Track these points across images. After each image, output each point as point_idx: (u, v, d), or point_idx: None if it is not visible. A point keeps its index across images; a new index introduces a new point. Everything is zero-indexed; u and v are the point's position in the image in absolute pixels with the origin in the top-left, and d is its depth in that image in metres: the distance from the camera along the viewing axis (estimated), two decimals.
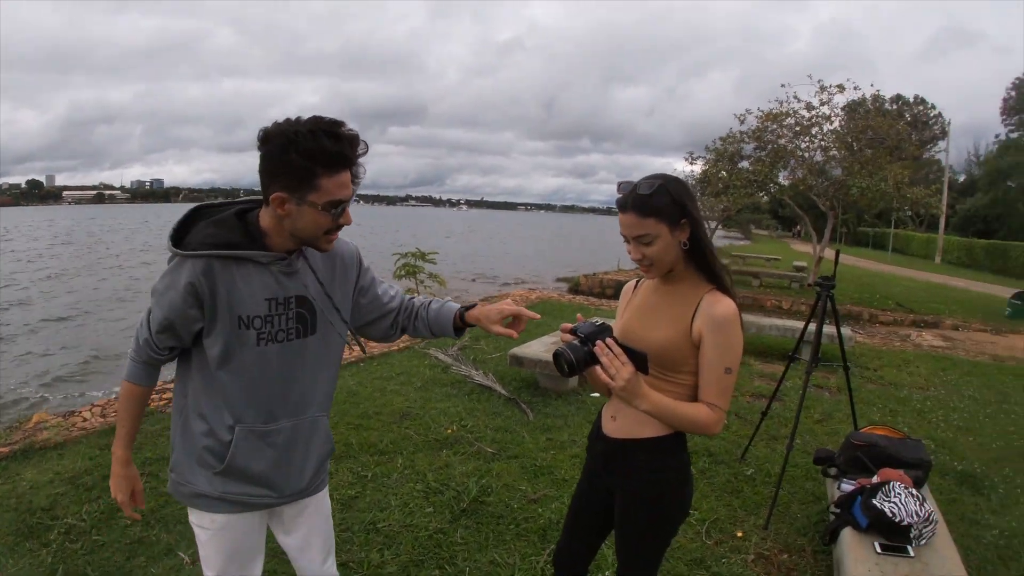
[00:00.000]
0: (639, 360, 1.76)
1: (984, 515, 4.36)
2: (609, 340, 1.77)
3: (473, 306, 2.10)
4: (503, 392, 6.30)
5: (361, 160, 1.70)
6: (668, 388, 1.92)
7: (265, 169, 1.66)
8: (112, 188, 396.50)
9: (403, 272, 11.68)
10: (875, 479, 3.45)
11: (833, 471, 3.94)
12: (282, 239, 1.76)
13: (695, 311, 1.89)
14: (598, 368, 1.79)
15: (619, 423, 2.04)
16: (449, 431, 5.27)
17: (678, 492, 2.03)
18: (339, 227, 1.75)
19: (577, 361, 1.76)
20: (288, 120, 1.61)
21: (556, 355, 1.79)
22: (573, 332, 1.84)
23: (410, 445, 4.97)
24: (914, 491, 3.23)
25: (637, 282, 2.19)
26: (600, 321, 1.86)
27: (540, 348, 6.68)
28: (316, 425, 1.97)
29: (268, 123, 1.65)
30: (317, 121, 1.60)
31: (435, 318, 2.11)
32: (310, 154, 1.58)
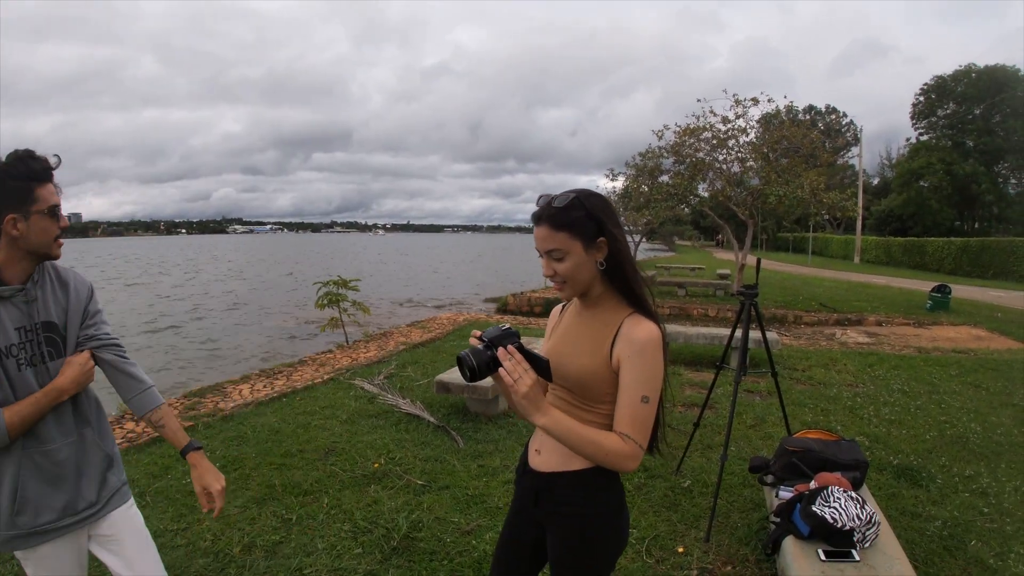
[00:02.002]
0: (541, 367, 1.68)
1: (925, 507, 4.35)
2: (511, 346, 1.68)
3: (199, 448, 2.36)
4: (432, 420, 6.08)
5: (56, 173, 1.95)
6: (589, 419, 1.80)
7: None
8: None
9: (326, 301, 11.32)
10: (813, 484, 3.37)
11: (769, 478, 3.84)
12: (19, 265, 1.96)
13: (615, 336, 1.76)
14: (502, 372, 1.67)
15: (544, 456, 1.93)
16: (376, 465, 5.02)
17: (612, 526, 1.88)
18: (63, 231, 1.99)
19: (479, 365, 1.68)
20: None
21: (459, 359, 1.70)
22: (480, 338, 1.74)
23: (336, 483, 4.71)
24: (853, 494, 3.15)
25: (564, 305, 2.05)
26: (507, 326, 1.76)
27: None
28: (88, 441, 2.14)
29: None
30: (16, 152, 1.88)
31: (136, 402, 2.24)
32: (23, 175, 1.87)
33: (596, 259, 1.76)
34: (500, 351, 1.67)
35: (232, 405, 6.93)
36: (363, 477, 4.81)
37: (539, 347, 1.97)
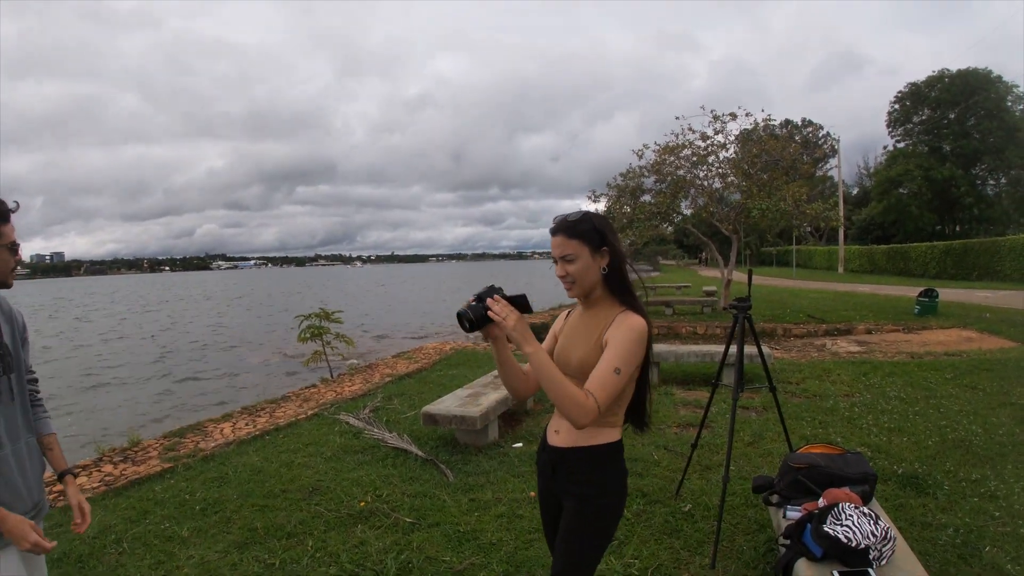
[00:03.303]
0: (521, 304, 2.04)
1: (935, 515, 4.22)
2: (496, 295, 2.04)
3: (75, 474, 2.65)
4: (419, 454, 5.87)
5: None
6: None
7: None
8: None
9: (308, 335, 11.12)
10: (821, 502, 3.18)
11: (775, 498, 3.65)
12: None
13: (607, 327, 2.14)
14: (491, 314, 2.00)
15: (562, 435, 2.26)
16: (363, 503, 4.81)
17: (618, 495, 2.24)
18: (17, 264, 2.26)
19: (476, 317, 2.02)
20: None
21: (459, 315, 2.04)
22: (475, 296, 2.07)
23: (321, 523, 4.50)
24: (865, 509, 2.97)
25: (568, 313, 2.41)
26: (492, 284, 2.12)
27: (454, 403, 6.31)
28: (31, 447, 2.36)
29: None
30: None
31: (38, 424, 2.46)
32: None
33: (600, 265, 2.16)
34: (488, 300, 2.02)
35: (213, 445, 6.74)
36: (349, 516, 4.60)
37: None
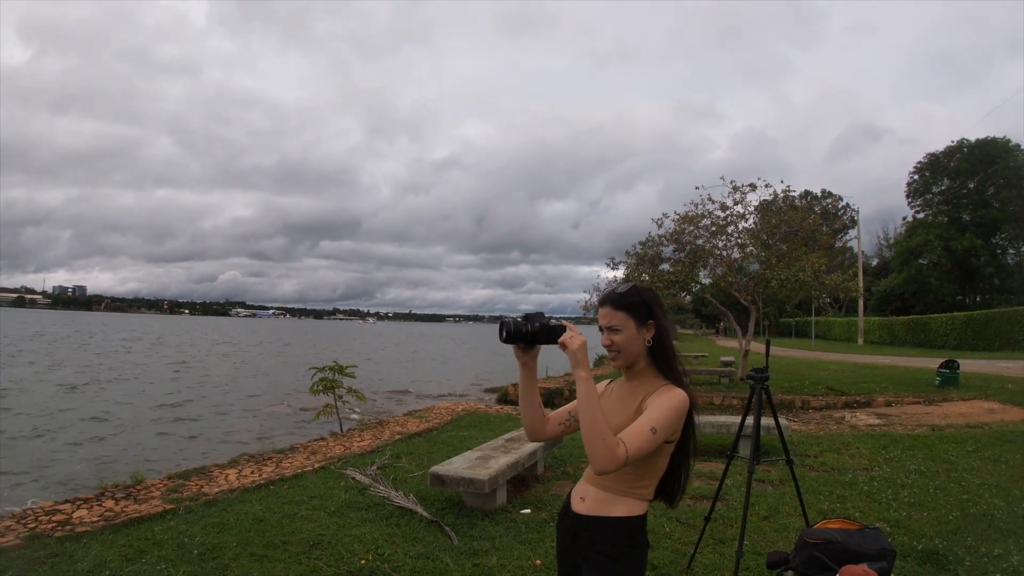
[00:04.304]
0: (559, 332, 2.09)
1: None
2: (565, 322, 2.13)
3: None
4: (424, 515, 5.73)
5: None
6: (624, 470, 2.07)
7: None
8: (33, 292, 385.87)
9: (320, 387, 11.02)
10: None
11: (790, 574, 3.51)
12: None
13: (648, 396, 2.14)
14: (569, 330, 2.08)
15: (588, 503, 2.23)
16: (363, 561, 4.68)
17: (637, 569, 2.18)
18: None
19: (515, 331, 2.09)
20: None
21: (502, 323, 2.11)
22: (523, 316, 2.14)
23: None
24: None
25: (610, 382, 2.39)
26: (540, 311, 2.17)
27: (463, 465, 6.18)
28: None
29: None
30: None
31: None
32: None
33: (645, 337, 2.19)
34: (566, 323, 2.12)
35: (217, 490, 6.67)
36: (348, 574, 4.49)
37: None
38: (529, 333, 2.10)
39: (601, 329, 2.23)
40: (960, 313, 36.44)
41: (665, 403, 2.07)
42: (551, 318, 2.16)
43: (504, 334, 2.10)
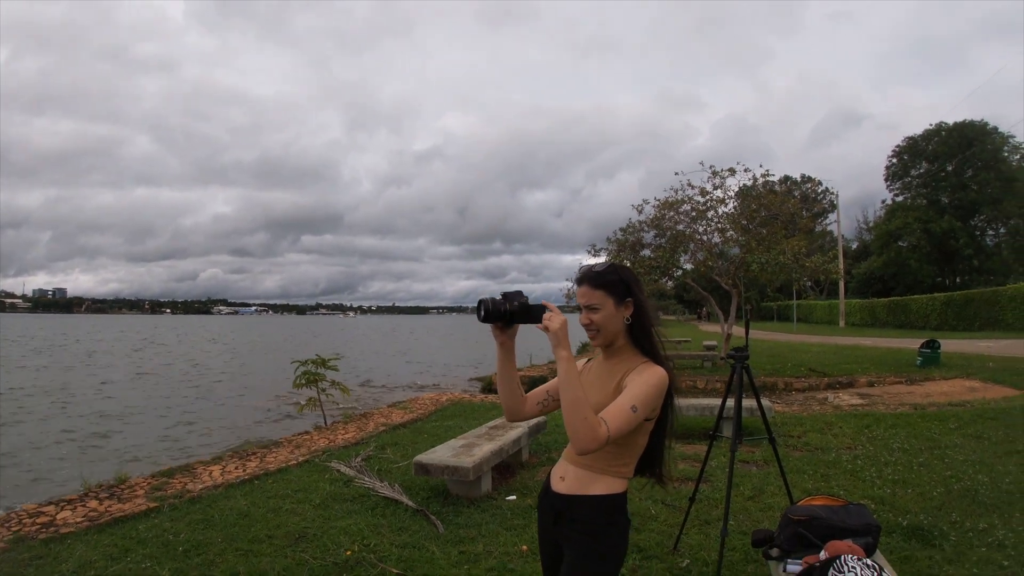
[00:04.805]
0: (540, 312, 2.06)
1: (941, 567, 4.11)
2: (545, 302, 2.08)
3: None
4: (410, 504, 5.71)
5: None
6: (605, 449, 2.03)
7: None
8: (13, 296, 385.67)
9: (304, 381, 10.95)
10: (823, 555, 3.06)
11: (775, 552, 3.51)
12: None
13: (627, 374, 2.13)
14: (549, 311, 2.04)
15: (568, 482, 2.23)
16: (349, 552, 4.65)
17: (619, 547, 2.19)
18: None
19: (492, 310, 2.08)
20: None
21: (480, 301, 2.10)
22: (503, 295, 2.12)
23: (305, 571, 4.36)
24: (869, 561, 2.85)
25: (588, 360, 2.39)
26: (518, 290, 2.14)
27: (447, 453, 6.15)
28: None
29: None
30: None
31: None
32: None
33: (624, 315, 2.18)
34: (546, 303, 2.07)
35: (201, 487, 6.63)
36: (334, 565, 4.45)
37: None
38: (507, 312, 2.09)
39: (579, 308, 2.22)
40: (940, 294, 36.75)
41: (645, 380, 2.06)
42: (522, 293, 2.15)
43: (482, 313, 2.08)
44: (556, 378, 2.27)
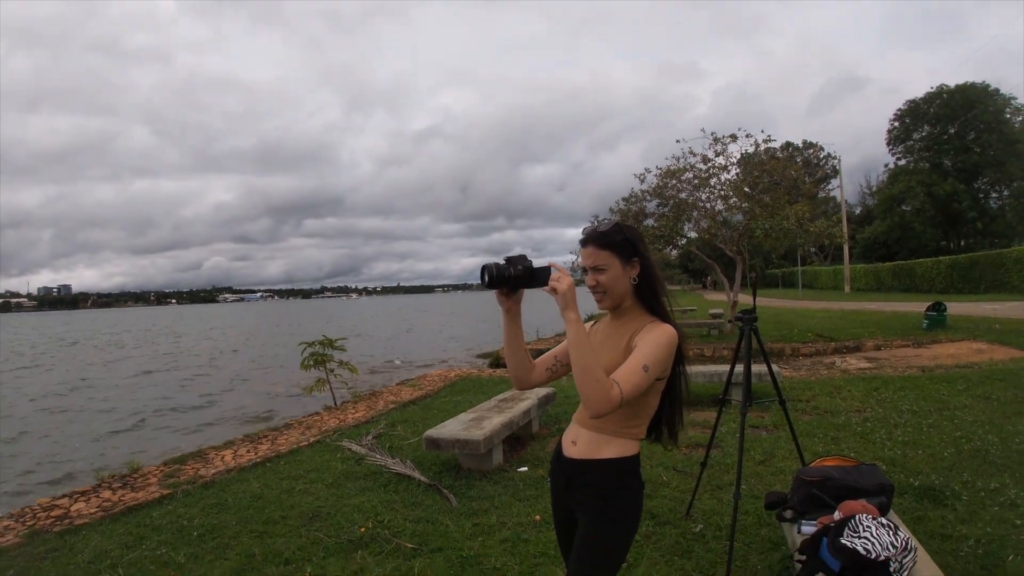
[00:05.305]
0: (547, 274, 2.03)
1: (954, 527, 4.09)
2: (554, 263, 2.05)
3: None
4: (422, 479, 5.73)
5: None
6: (618, 411, 2.01)
7: None
8: (18, 296, 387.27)
9: (312, 362, 10.99)
10: (837, 515, 3.05)
11: (789, 513, 3.51)
12: None
13: (636, 333, 2.11)
14: (556, 272, 2.00)
15: (579, 446, 2.21)
16: (363, 529, 4.68)
17: (634, 508, 2.19)
18: None
19: (497, 276, 2.05)
20: None
21: (484, 267, 2.06)
22: (506, 259, 2.09)
23: (320, 550, 4.38)
24: (884, 520, 2.84)
25: (594, 323, 2.36)
26: (521, 254, 2.11)
27: (457, 427, 6.16)
28: None
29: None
30: None
31: None
32: None
33: (630, 275, 2.15)
34: (552, 263, 2.04)
35: (213, 472, 6.67)
36: (349, 543, 4.47)
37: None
38: (512, 276, 2.06)
39: (585, 271, 2.19)
40: (945, 257, 36.58)
41: (655, 339, 2.03)
42: (526, 257, 2.12)
43: (486, 278, 2.05)
44: (563, 343, 2.26)
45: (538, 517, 4.65)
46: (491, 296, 2.13)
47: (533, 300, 2.11)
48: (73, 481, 8.17)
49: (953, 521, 4.17)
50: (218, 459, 7.26)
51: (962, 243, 50.03)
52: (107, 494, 6.11)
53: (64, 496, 6.17)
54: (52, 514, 5.59)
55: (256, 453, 7.40)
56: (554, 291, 1.98)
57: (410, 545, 4.35)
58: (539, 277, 2.05)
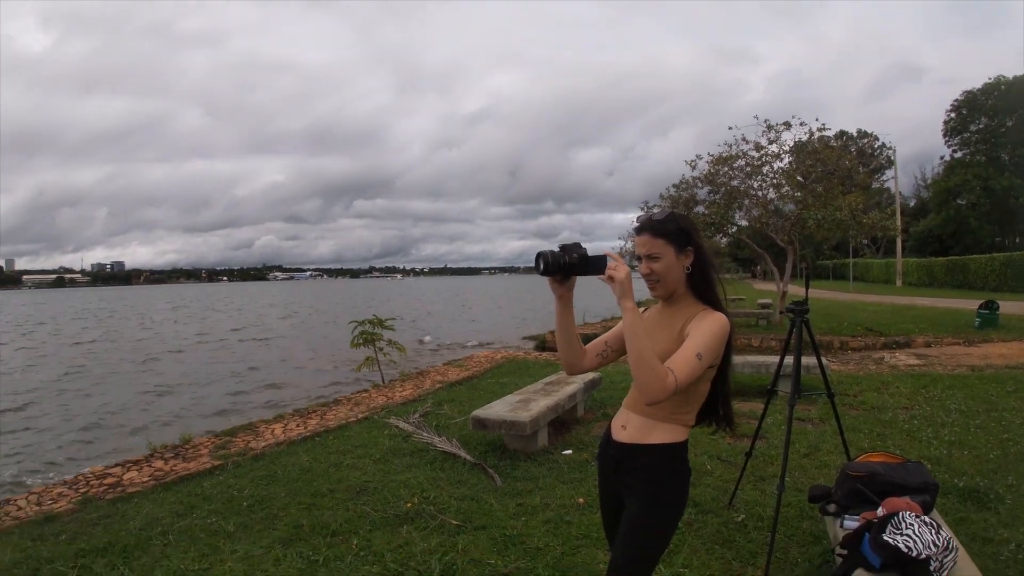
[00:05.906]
0: (602, 264, 2.03)
1: (997, 530, 4.06)
2: (610, 252, 2.03)
3: None
4: (468, 458, 5.84)
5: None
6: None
7: None
8: (72, 272, 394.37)
9: (361, 340, 11.21)
10: (881, 511, 3.07)
11: (832, 508, 3.54)
12: None
13: (689, 321, 2.14)
14: (610, 261, 2.00)
15: (629, 431, 2.25)
16: (409, 504, 4.79)
17: (682, 492, 2.23)
18: None
19: (552, 262, 2.07)
20: None
21: (539, 254, 2.09)
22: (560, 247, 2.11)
23: (367, 523, 4.50)
24: (927, 519, 2.86)
25: (645, 309, 2.37)
26: (576, 242, 2.13)
27: (504, 408, 6.26)
28: None
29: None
30: None
31: None
32: None
33: (684, 264, 2.18)
34: (609, 252, 2.02)
35: (264, 444, 6.84)
36: (395, 517, 4.59)
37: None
38: (567, 264, 2.08)
39: (639, 258, 2.21)
40: (1000, 254, 35.67)
41: (708, 327, 2.07)
42: (580, 245, 2.14)
43: (541, 266, 2.08)
44: (613, 329, 2.35)
45: (582, 500, 4.73)
46: (539, 279, 2.14)
47: (580, 285, 2.15)
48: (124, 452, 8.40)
49: (995, 524, 4.14)
50: (268, 432, 7.44)
51: (1018, 240, 48.70)
52: (159, 464, 6.32)
53: (117, 465, 6.38)
54: (105, 482, 5.80)
55: (305, 427, 7.57)
56: (611, 280, 1.99)
57: (455, 522, 4.45)
58: (594, 265, 2.06)
